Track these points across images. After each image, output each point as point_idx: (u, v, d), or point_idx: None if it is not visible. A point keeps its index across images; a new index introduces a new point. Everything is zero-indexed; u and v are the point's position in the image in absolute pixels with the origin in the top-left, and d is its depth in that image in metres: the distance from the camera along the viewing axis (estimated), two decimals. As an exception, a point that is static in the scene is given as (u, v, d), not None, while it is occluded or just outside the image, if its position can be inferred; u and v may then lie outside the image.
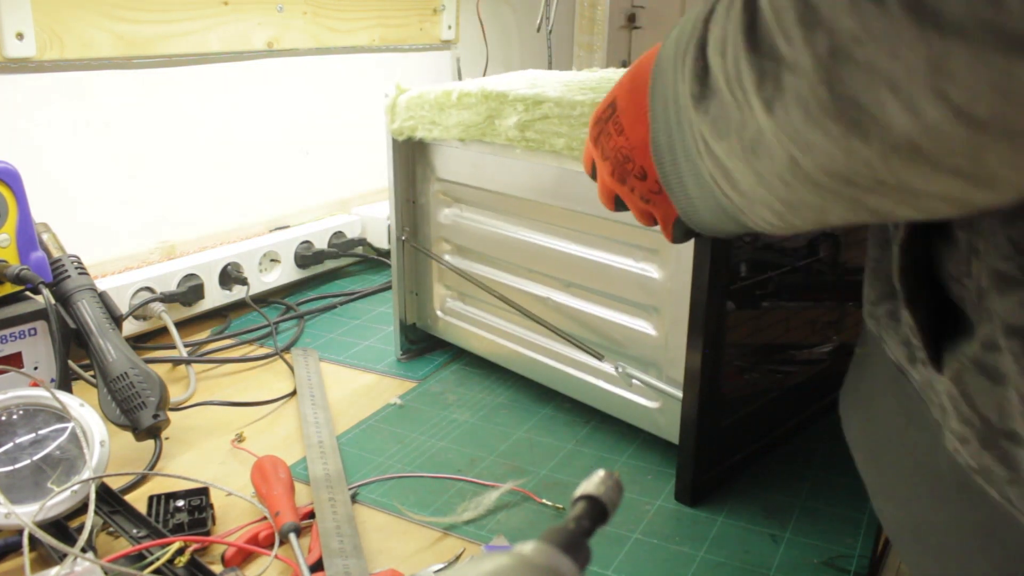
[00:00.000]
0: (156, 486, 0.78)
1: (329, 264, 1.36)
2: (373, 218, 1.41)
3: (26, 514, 0.64)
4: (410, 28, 1.54)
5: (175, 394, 0.95)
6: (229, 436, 0.87)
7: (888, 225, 0.39)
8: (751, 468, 0.81)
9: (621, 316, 0.83)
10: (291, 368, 1.03)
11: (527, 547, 0.34)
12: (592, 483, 0.38)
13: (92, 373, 0.88)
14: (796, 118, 0.27)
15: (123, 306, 1.06)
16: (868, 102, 0.25)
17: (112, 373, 0.84)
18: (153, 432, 0.82)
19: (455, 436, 0.88)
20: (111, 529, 0.69)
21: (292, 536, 0.67)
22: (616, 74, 0.98)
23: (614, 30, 1.83)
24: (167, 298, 1.11)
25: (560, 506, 0.75)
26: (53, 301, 0.84)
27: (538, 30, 1.69)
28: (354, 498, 0.76)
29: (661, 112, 0.41)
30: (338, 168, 1.47)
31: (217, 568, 0.65)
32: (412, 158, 1.01)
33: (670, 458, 0.80)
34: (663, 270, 0.77)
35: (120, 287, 1.07)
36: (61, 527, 0.68)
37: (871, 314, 0.43)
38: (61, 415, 0.73)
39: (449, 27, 1.60)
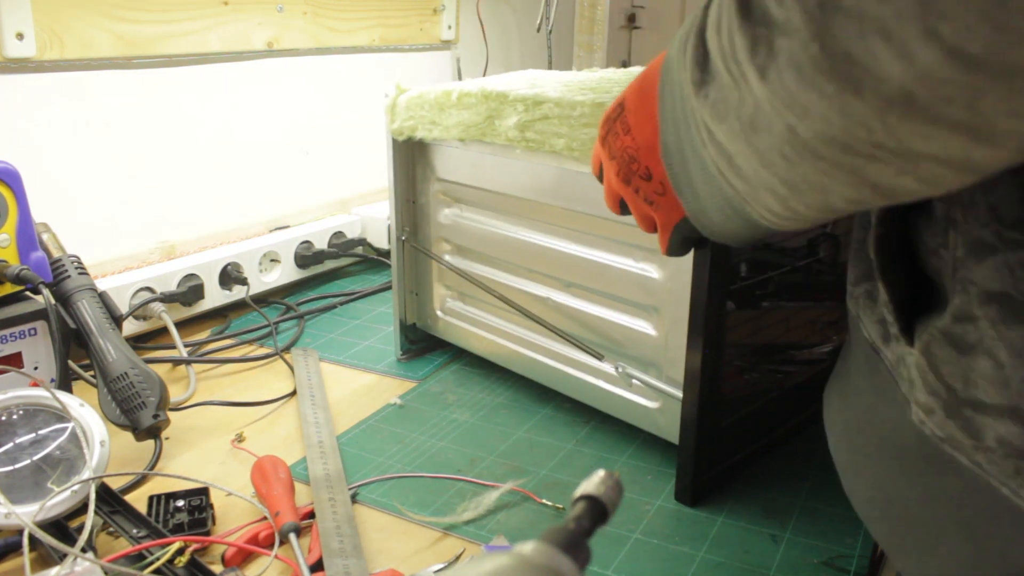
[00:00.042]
0: (156, 486, 0.78)
1: (329, 264, 1.36)
2: (373, 218, 1.41)
3: (26, 514, 0.64)
4: (410, 28, 1.54)
5: (175, 394, 0.95)
6: (229, 436, 0.87)
7: None
8: (751, 468, 0.81)
9: (621, 316, 0.83)
10: (291, 368, 1.03)
11: (527, 547, 0.34)
12: (592, 483, 0.38)
13: (92, 373, 0.88)
14: (790, 81, 0.27)
15: (123, 306, 1.06)
16: (860, 53, 0.24)
17: (112, 373, 0.84)
18: (153, 432, 0.82)
19: (455, 436, 0.88)
20: (111, 529, 0.69)
21: (292, 536, 0.67)
22: (616, 74, 0.98)
23: (614, 30, 1.83)
24: (167, 298, 1.11)
25: (560, 506, 0.75)
26: (53, 301, 0.84)
27: (538, 30, 1.69)
28: (354, 498, 0.76)
29: (669, 110, 0.41)
30: (338, 168, 1.47)
31: (217, 568, 0.65)
32: (412, 158, 1.01)
33: (670, 458, 0.80)
34: (663, 270, 0.77)
35: (120, 287, 1.07)
36: (61, 527, 0.68)
37: (851, 295, 0.43)
38: (61, 415, 0.73)
39: (449, 27, 1.61)
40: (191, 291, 1.14)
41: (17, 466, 0.69)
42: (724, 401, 0.76)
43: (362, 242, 1.41)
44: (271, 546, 0.68)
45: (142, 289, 1.10)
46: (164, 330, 1.10)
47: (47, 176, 1.07)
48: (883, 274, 0.38)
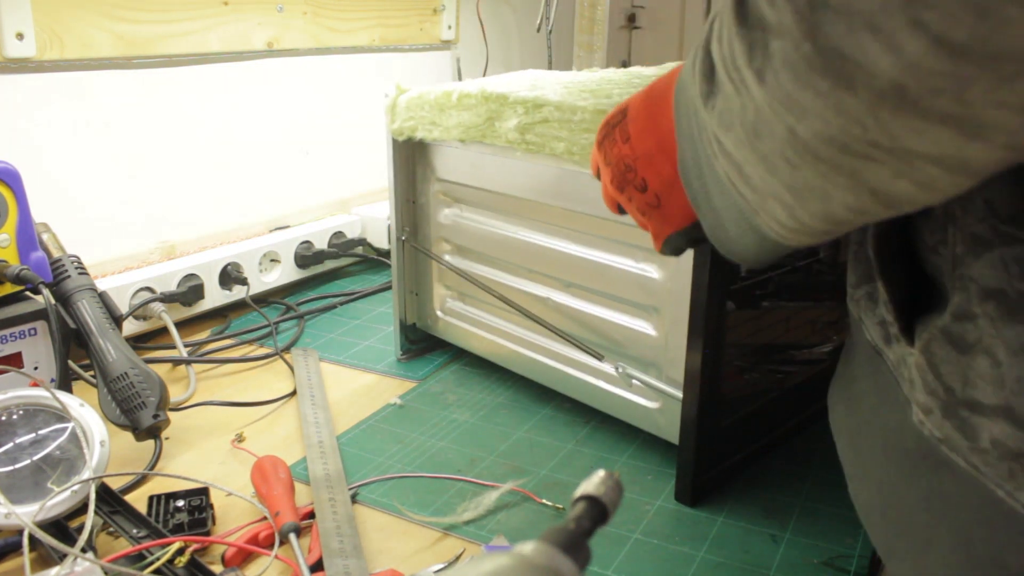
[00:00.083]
0: (156, 486, 0.78)
1: (329, 264, 1.36)
2: (373, 218, 1.41)
3: (26, 514, 0.64)
4: (410, 28, 1.54)
5: (175, 394, 0.95)
6: (229, 436, 0.87)
7: None
8: (751, 468, 0.81)
9: (621, 316, 0.83)
10: (291, 368, 1.03)
11: (527, 547, 0.34)
12: (592, 483, 0.38)
13: (92, 373, 0.88)
14: (786, 81, 0.28)
15: (123, 306, 1.06)
16: (850, 48, 0.25)
17: (112, 373, 0.84)
18: (153, 432, 0.82)
19: (455, 436, 0.88)
20: (111, 529, 0.69)
21: (292, 536, 0.67)
22: (616, 74, 0.98)
23: (614, 30, 1.83)
24: (167, 298, 1.11)
25: (560, 506, 0.75)
26: (53, 301, 0.84)
27: (538, 30, 1.69)
28: (354, 498, 0.76)
29: (685, 127, 0.41)
30: (338, 168, 1.47)
31: (217, 568, 0.65)
32: (412, 158, 1.01)
33: (670, 458, 0.80)
34: (663, 270, 0.77)
35: (120, 287, 1.07)
36: (61, 527, 0.68)
37: (852, 297, 0.43)
38: (61, 415, 0.73)
39: (449, 27, 1.61)
40: (191, 291, 1.14)
41: (17, 466, 0.69)
42: (724, 401, 0.76)
43: (362, 242, 1.41)
44: (271, 546, 0.68)
45: (142, 289, 1.10)
46: (164, 330, 1.10)
47: (47, 176, 1.07)
48: (883, 274, 0.38)
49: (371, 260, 1.42)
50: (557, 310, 0.89)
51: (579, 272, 0.86)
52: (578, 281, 0.86)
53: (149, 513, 0.71)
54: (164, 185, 1.21)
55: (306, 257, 1.31)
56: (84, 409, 0.74)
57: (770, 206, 0.34)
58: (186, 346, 1.08)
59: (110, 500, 0.72)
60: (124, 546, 0.67)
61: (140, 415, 0.81)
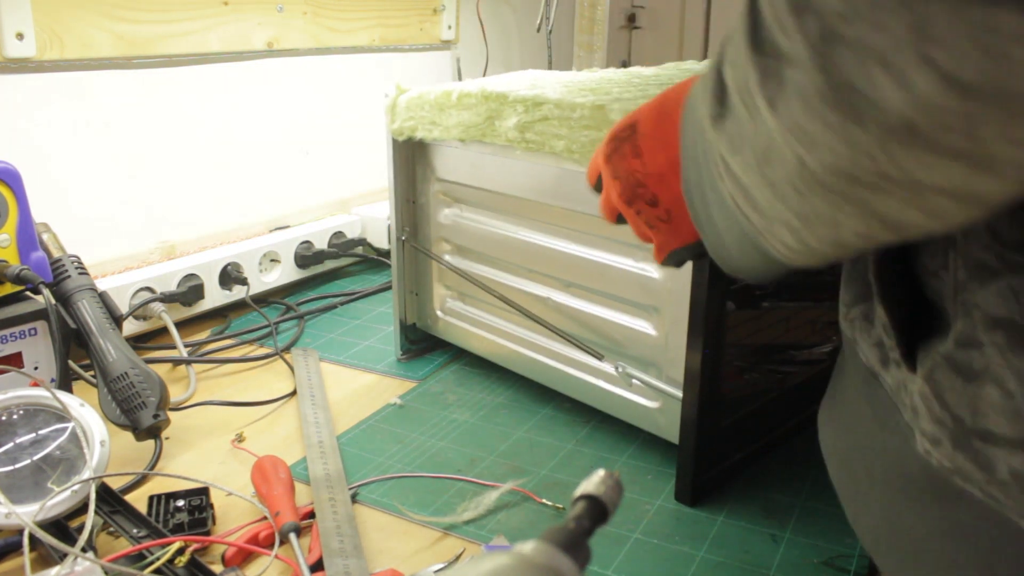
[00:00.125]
0: (156, 486, 0.78)
1: (329, 264, 1.36)
2: (373, 218, 1.41)
3: (26, 514, 0.64)
4: (410, 28, 1.54)
5: (175, 394, 0.95)
6: (229, 436, 0.87)
7: None
8: (751, 468, 0.81)
9: (621, 316, 0.83)
10: (291, 368, 1.03)
11: (527, 547, 0.34)
12: (592, 483, 0.38)
13: (92, 373, 0.88)
14: (797, 112, 0.27)
15: (123, 306, 1.06)
16: (861, 83, 0.25)
17: (112, 373, 0.84)
18: (153, 432, 0.82)
19: (455, 436, 0.88)
20: (111, 529, 0.69)
21: (292, 536, 0.67)
22: (616, 74, 0.98)
23: (614, 30, 1.83)
24: (167, 298, 1.11)
25: (560, 506, 0.75)
26: (53, 301, 0.84)
27: (538, 30, 1.69)
28: (354, 498, 0.76)
29: (690, 146, 0.41)
30: (338, 168, 1.47)
31: (217, 568, 0.65)
32: (412, 158, 1.01)
33: (670, 458, 0.80)
34: (663, 270, 0.77)
35: (120, 287, 1.07)
36: (61, 527, 0.68)
37: (845, 317, 0.43)
38: (61, 415, 0.73)
39: (449, 27, 1.61)
40: (191, 291, 1.14)
41: (17, 466, 0.69)
42: (724, 401, 0.76)
43: (362, 242, 1.41)
44: (271, 546, 0.68)
45: (142, 289, 1.10)
46: (164, 330, 1.10)
47: (47, 176, 1.07)
48: (883, 298, 0.37)
49: (371, 260, 1.42)
50: (557, 310, 0.89)
51: (579, 272, 0.86)
52: (578, 281, 0.86)
53: (149, 513, 0.71)
54: (164, 185, 1.21)
55: (306, 257, 1.31)
56: (84, 409, 0.74)
57: (777, 230, 0.33)
58: (186, 346, 1.08)
59: (110, 500, 0.72)
60: (124, 546, 0.67)
61: (140, 415, 0.81)
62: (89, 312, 0.90)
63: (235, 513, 0.74)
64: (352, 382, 1.01)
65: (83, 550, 0.62)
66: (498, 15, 1.74)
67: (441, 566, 0.66)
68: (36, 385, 0.75)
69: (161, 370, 1.02)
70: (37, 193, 0.89)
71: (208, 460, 0.83)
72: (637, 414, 0.83)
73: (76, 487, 0.68)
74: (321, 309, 1.24)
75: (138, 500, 0.74)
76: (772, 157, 0.30)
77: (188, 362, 1.04)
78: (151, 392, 0.83)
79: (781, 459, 0.83)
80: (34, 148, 1.05)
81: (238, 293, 1.21)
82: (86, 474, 0.69)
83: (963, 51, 0.22)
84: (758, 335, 0.79)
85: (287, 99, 1.36)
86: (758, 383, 0.82)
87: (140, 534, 0.68)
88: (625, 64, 1.91)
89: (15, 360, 0.83)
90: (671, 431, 0.78)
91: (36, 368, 0.84)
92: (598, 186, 0.53)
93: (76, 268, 0.94)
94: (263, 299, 1.26)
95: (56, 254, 0.95)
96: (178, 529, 0.70)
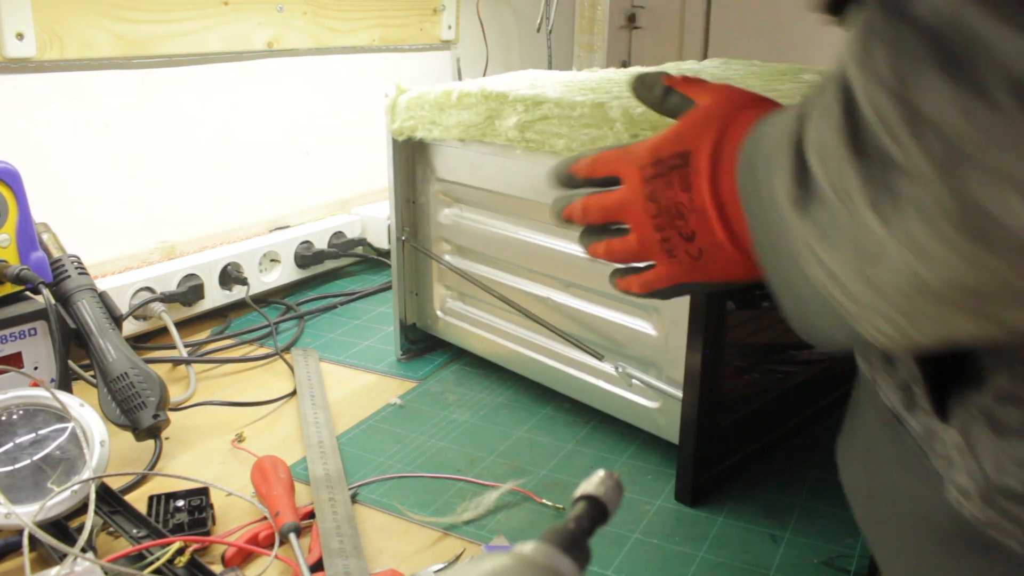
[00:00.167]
0: (156, 486, 0.78)
1: (329, 264, 1.36)
2: (373, 218, 1.41)
3: (26, 514, 0.64)
4: (410, 28, 1.54)
5: (175, 394, 0.95)
6: (229, 436, 0.87)
7: None
8: (751, 468, 0.81)
9: (621, 316, 0.83)
10: (291, 368, 1.03)
11: (527, 547, 0.34)
12: (592, 483, 0.38)
13: (92, 373, 0.88)
14: (915, 226, 0.26)
15: (123, 306, 1.06)
16: (995, 208, 0.24)
17: (112, 373, 0.84)
18: (153, 432, 0.82)
19: (455, 436, 0.88)
20: (111, 529, 0.69)
21: (292, 536, 0.67)
22: (616, 74, 0.98)
23: (614, 30, 1.84)
24: (167, 298, 1.11)
25: (560, 506, 0.75)
26: (53, 301, 0.84)
27: (538, 30, 1.69)
28: (354, 498, 0.76)
29: (757, 212, 0.39)
30: (338, 168, 1.47)
31: (217, 568, 0.65)
32: (412, 158, 1.01)
33: (670, 458, 0.80)
34: (663, 270, 0.77)
35: (120, 287, 1.07)
36: (61, 527, 0.68)
37: (863, 356, 0.41)
38: (61, 415, 0.73)
39: (449, 27, 1.61)
40: (191, 291, 1.14)
41: (17, 466, 0.69)
42: (724, 401, 0.76)
43: (362, 242, 1.41)
44: (271, 546, 0.68)
45: (142, 289, 1.10)
46: (164, 330, 1.10)
47: (47, 176, 1.07)
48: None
49: (371, 260, 1.42)
50: (557, 310, 0.89)
51: (579, 272, 0.86)
52: (578, 281, 0.86)
53: (149, 513, 0.71)
54: (164, 185, 1.21)
55: (306, 257, 1.31)
56: (84, 409, 0.74)
57: (875, 320, 0.31)
58: (186, 346, 1.08)
59: (110, 500, 0.72)
60: (124, 546, 0.67)
61: (140, 415, 0.81)
62: (89, 312, 0.90)
63: (235, 513, 0.74)
64: (352, 382, 1.01)
65: (83, 550, 0.62)
66: (498, 15, 1.74)
67: (441, 566, 0.66)
68: (36, 385, 0.75)
69: (161, 370, 1.02)
70: (37, 193, 0.89)
71: (208, 460, 0.83)
72: (637, 414, 0.83)
73: (76, 487, 0.68)
74: (321, 309, 1.24)
75: (138, 500, 0.74)
76: (879, 262, 0.28)
77: (188, 362, 1.04)
78: (151, 392, 0.83)
79: (781, 459, 0.83)
80: (34, 148, 1.05)
81: (238, 293, 1.21)
82: (86, 474, 0.69)
83: None
84: (758, 335, 0.79)
85: (287, 99, 1.36)
86: (758, 383, 0.82)
87: (140, 534, 0.68)
88: (625, 64, 1.91)
89: (15, 360, 0.83)
90: (671, 431, 0.78)
91: (36, 368, 0.84)
92: (598, 181, 0.49)
93: (76, 268, 0.94)
94: (263, 299, 1.26)
95: (56, 254, 0.95)
96: (178, 529, 0.70)
